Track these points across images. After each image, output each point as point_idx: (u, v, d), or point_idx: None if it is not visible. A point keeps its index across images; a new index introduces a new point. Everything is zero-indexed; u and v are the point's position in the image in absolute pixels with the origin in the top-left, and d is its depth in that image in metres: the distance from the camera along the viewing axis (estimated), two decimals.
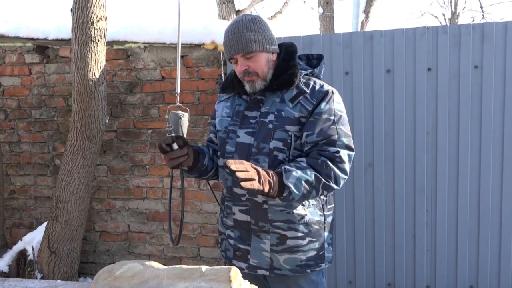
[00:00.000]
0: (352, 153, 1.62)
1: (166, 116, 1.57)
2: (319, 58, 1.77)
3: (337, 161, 1.57)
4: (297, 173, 1.51)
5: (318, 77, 1.72)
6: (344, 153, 1.58)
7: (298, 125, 1.61)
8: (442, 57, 2.59)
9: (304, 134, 1.60)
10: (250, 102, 1.68)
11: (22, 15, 3.49)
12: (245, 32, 1.58)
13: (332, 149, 1.57)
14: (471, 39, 2.55)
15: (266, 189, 1.45)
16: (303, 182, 1.51)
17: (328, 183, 1.56)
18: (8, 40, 3.27)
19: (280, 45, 1.70)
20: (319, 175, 1.54)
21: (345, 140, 1.61)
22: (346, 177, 1.60)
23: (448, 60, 2.59)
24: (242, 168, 1.40)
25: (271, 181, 1.47)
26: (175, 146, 1.57)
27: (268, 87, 1.64)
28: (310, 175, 1.52)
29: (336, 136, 1.59)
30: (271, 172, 1.50)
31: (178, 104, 1.60)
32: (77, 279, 3.12)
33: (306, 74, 1.67)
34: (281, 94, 1.64)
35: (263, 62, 1.62)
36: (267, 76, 1.64)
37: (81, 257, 3.22)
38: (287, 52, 1.68)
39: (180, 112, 1.57)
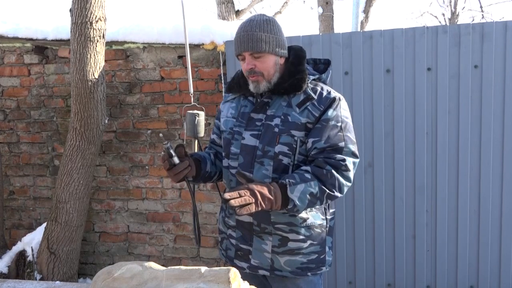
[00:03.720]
0: (357, 160, 1.63)
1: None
2: (326, 63, 1.77)
3: (343, 169, 1.57)
4: (302, 186, 1.51)
5: (325, 82, 1.72)
6: (350, 161, 1.59)
7: (304, 130, 1.61)
8: (442, 57, 2.59)
9: (311, 140, 1.60)
10: (257, 104, 1.68)
11: (21, 15, 3.49)
12: (258, 31, 1.58)
13: (339, 156, 1.58)
14: (471, 39, 2.55)
15: (267, 207, 1.46)
16: (308, 195, 1.52)
17: (332, 193, 1.57)
18: (7, 41, 3.27)
19: (289, 48, 1.70)
20: (324, 186, 1.55)
21: (352, 147, 1.61)
22: (350, 184, 1.61)
23: (447, 60, 2.59)
24: (235, 195, 1.39)
25: (271, 197, 1.47)
26: (176, 160, 1.60)
27: (275, 90, 1.64)
28: (315, 187, 1.53)
29: (343, 143, 1.59)
30: (272, 187, 1.49)
31: (193, 103, 1.62)
32: (77, 280, 3.12)
33: (313, 79, 1.67)
34: (288, 98, 1.64)
35: (270, 64, 1.62)
36: (273, 79, 1.63)
37: (80, 257, 3.22)
38: (296, 56, 1.67)
39: (196, 111, 1.59)
